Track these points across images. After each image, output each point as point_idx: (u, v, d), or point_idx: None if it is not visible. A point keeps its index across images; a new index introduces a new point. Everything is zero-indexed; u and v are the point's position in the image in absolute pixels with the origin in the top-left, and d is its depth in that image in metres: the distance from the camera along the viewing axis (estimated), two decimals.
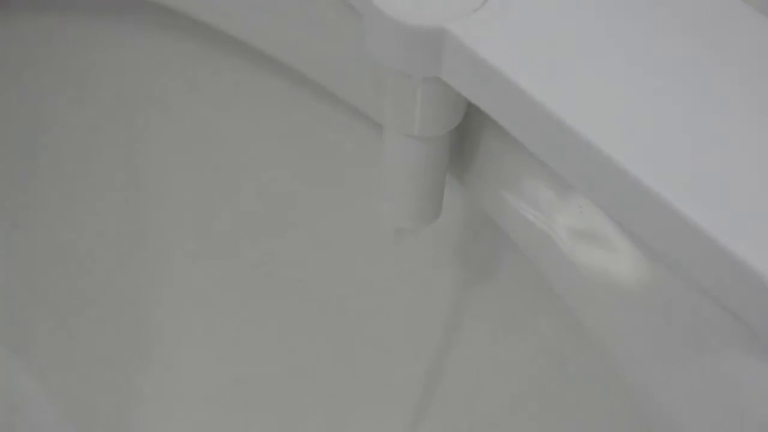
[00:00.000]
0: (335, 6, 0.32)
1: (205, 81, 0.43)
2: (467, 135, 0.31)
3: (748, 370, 0.26)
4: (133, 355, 0.50)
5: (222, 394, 0.49)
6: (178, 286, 0.49)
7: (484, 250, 0.39)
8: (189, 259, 0.48)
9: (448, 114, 0.29)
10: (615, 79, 0.26)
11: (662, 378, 0.28)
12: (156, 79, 0.43)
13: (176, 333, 0.49)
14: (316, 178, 0.43)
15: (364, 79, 0.32)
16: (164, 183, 0.47)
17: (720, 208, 0.24)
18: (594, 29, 0.27)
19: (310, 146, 0.42)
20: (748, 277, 0.23)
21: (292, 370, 0.48)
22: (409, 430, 0.45)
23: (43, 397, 0.52)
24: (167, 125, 0.45)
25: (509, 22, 0.26)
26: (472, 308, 0.41)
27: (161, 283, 0.49)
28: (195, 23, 0.38)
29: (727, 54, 0.26)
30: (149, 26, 0.42)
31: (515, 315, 0.39)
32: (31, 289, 0.51)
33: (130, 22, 0.42)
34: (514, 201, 0.30)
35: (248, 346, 0.48)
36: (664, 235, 0.25)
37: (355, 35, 0.32)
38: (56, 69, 0.45)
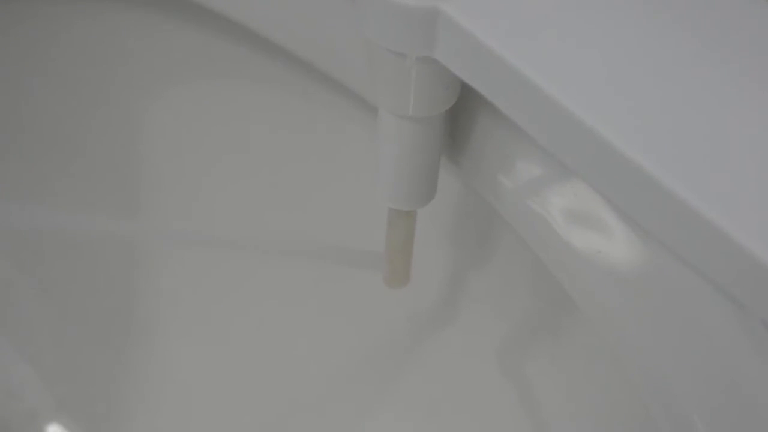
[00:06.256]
0: None
1: (200, 64, 0.43)
2: (462, 116, 0.31)
3: (747, 353, 0.26)
4: (129, 342, 0.50)
5: (218, 380, 0.49)
6: (174, 273, 0.49)
7: (478, 231, 0.39)
8: (185, 245, 0.48)
9: (442, 94, 0.29)
10: (614, 60, 0.26)
11: (659, 360, 0.28)
12: (149, 62, 0.43)
13: (173, 320, 0.49)
14: (314, 162, 0.43)
15: (359, 60, 0.32)
16: (160, 170, 0.46)
17: (719, 190, 0.24)
18: (592, 8, 0.26)
19: (307, 129, 0.42)
20: (746, 260, 0.23)
21: (288, 356, 0.48)
22: (401, 413, 0.45)
23: (40, 384, 0.52)
24: (162, 110, 0.45)
25: (504, 0, 0.26)
26: (466, 290, 0.41)
27: (157, 270, 0.49)
28: (192, 6, 0.37)
29: (732, 41, 0.26)
30: (139, 6, 0.42)
31: (510, 296, 0.39)
32: (27, 276, 0.51)
33: (121, 3, 0.42)
34: (509, 182, 0.30)
35: (244, 332, 0.48)
36: (661, 218, 0.24)
37: (349, 15, 0.32)
38: (53, 55, 0.45)
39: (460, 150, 0.31)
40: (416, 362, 0.45)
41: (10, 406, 0.52)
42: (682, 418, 0.27)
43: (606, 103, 0.25)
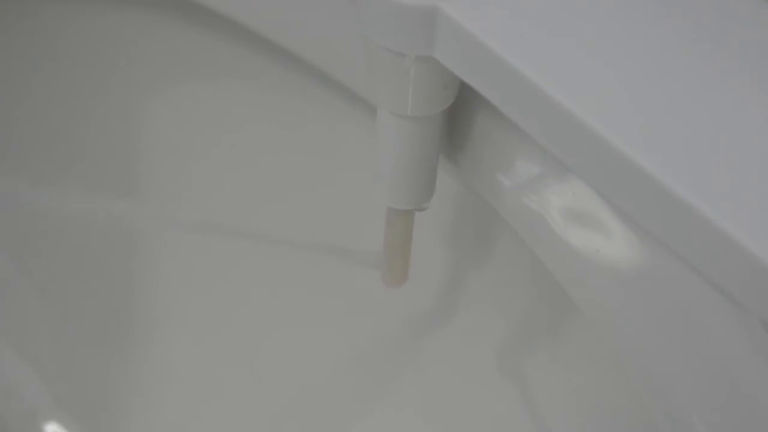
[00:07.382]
0: None
1: (200, 64, 0.43)
2: (461, 115, 0.30)
3: (747, 353, 0.26)
4: (128, 340, 0.50)
5: (216, 378, 0.49)
6: (173, 273, 0.49)
7: (477, 230, 0.39)
8: (184, 244, 0.48)
9: (441, 93, 0.28)
10: (615, 59, 0.25)
11: (659, 360, 0.28)
12: (149, 61, 0.43)
13: (171, 319, 0.49)
14: (313, 161, 0.43)
15: (358, 59, 0.32)
16: (159, 169, 0.46)
17: (719, 190, 0.23)
18: (593, 8, 0.26)
19: (306, 128, 0.42)
20: (746, 260, 0.23)
21: (286, 355, 0.48)
22: (400, 412, 0.45)
23: (38, 382, 0.52)
24: (162, 109, 0.45)
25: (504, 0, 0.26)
26: (466, 289, 0.41)
27: (156, 269, 0.49)
28: (192, 6, 0.37)
29: (733, 41, 0.26)
30: (139, 5, 0.42)
31: (509, 296, 0.39)
32: (25, 275, 0.51)
33: (121, 3, 0.42)
34: (508, 181, 0.30)
35: (243, 331, 0.48)
36: (661, 218, 0.24)
37: (348, 15, 0.32)
38: (53, 54, 0.45)
39: (459, 149, 0.31)
40: (415, 361, 0.45)
41: (8, 405, 0.52)
42: (682, 418, 0.27)
43: (606, 103, 0.25)
